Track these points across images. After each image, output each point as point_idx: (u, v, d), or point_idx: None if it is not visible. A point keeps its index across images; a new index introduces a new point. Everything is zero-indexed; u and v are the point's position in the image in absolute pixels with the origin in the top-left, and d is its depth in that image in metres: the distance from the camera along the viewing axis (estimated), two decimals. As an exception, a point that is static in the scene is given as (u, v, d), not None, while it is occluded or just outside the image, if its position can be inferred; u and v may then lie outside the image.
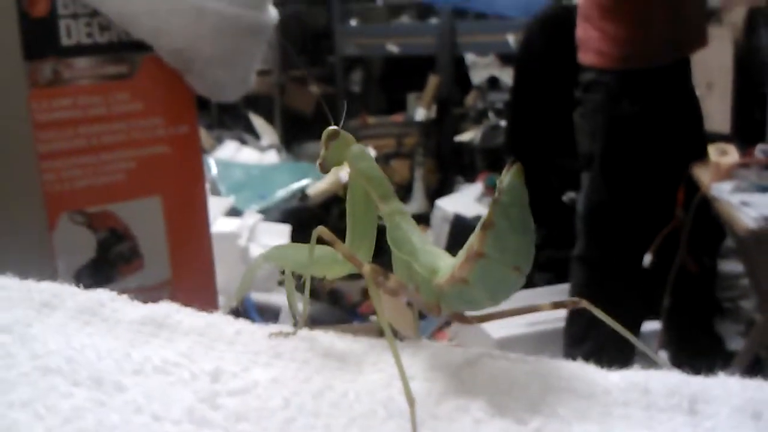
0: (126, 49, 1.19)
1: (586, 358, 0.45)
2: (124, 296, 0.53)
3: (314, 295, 3.17)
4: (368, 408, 0.41)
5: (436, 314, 0.47)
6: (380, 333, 0.44)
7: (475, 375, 0.43)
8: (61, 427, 0.41)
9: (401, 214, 0.50)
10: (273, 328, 0.50)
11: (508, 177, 0.41)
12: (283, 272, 0.53)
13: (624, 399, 0.40)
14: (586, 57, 2.32)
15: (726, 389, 0.40)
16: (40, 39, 1.13)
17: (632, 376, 0.42)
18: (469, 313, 0.48)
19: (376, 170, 0.51)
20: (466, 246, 0.43)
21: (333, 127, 0.52)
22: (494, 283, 0.43)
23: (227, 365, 0.45)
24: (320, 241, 0.49)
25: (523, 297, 2.08)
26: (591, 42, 2.28)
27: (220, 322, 0.50)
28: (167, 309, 0.51)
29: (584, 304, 0.48)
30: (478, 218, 0.43)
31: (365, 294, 2.97)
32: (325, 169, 0.53)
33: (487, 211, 0.42)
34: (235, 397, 0.43)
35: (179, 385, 0.44)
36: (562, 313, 2.46)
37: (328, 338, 0.48)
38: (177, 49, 1.20)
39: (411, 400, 0.39)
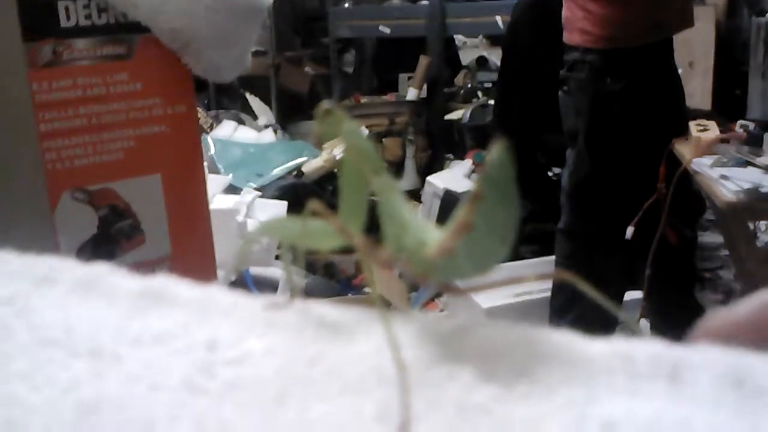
0: (124, 30, 1.20)
1: (570, 327, 0.46)
2: (123, 269, 0.53)
3: (310, 268, 3.18)
4: (360, 375, 0.42)
5: (426, 285, 0.48)
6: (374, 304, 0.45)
7: (464, 343, 0.44)
8: (59, 398, 0.41)
9: (392, 188, 0.51)
10: (268, 299, 0.50)
11: (496, 152, 0.42)
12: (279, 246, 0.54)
13: (607, 366, 0.41)
14: (571, 37, 2.35)
15: (708, 357, 0.40)
16: (39, 20, 1.13)
17: (615, 344, 0.42)
18: (458, 284, 0.49)
19: (368, 146, 0.52)
20: (453, 218, 0.44)
21: (327, 104, 0.53)
22: (481, 254, 0.44)
23: (223, 335, 0.46)
24: (314, 215, 0.49)
25: (510, 268, 2.10)
26: (576, 22, 2.31)
27: (217, 293, 0.50)
28: (165, 281, 0.52)
29: (567, 276, 0.49)
30: (467, 194, 0.44)
31: (360, 267, 2.99)
32: (319, 145, 0.54)
33: (475, 184, 0.43)
34: (230, 366, 0.43)
35: (176, 355, 0.45)
36: (548, 284, 2.49)
37: (322, 309, 0.49)
38: (174, 30, 1.20)
39: (401, 367, 0.40)
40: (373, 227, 0.52)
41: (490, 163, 0.42)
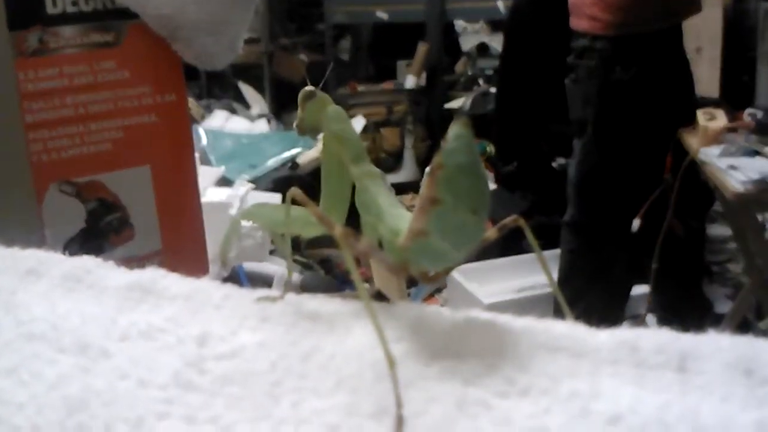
0: (112, 17, 1.18)
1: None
2: (110, 262, 0.53)
3: (305, 264, 3.18)
4: (356, 370, 0.41)
5: (404, 275, 0.47)
6: (372, 298, 0.44)
7: (464, 336, 0.43)
8: (46, 394, 0.41)
9: (371, 176, 0.50)
10: (260, 292, 0.49)
11: (454, 126, 0.41)
12: (272, 241, 0.54)
13: (613, 357, 0.40)
14: (578, 23, 2.32)
15: (716, 346, 0.40)
16: (25, 8, 1.11)
17: (621, 334, 0.42)
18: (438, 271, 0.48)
19: (351, 132, 0.51)
20: (419, 197, 0.43)
21: (309, 88, 0.52)
22: (454, 230, 0.42)
23: (214, 329, 0.45)
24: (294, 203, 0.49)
25: (513, 262, 2.09)
26: (584, 8, 2.28)
27: (208, 287, 0.50)
28: (154, 274, 0.51)
29: (521, 222, 0.48)
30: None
31: (357, 262, 2.98)
32: (302, 131, 0.53)
33: (435, 158, 0.42)
34: (222, 361, 0.43)
35: (165, 350, 0.44)
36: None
37: (317, 302, 0.48)
38: (163, 16, 1.19)
39: (391, 362, 0.39)
40: (356, 216, 0.51)
41: (449, 136, 0.41)
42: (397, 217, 0.47)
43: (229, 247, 0.56)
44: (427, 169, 0.43)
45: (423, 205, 0.42)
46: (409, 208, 0.47)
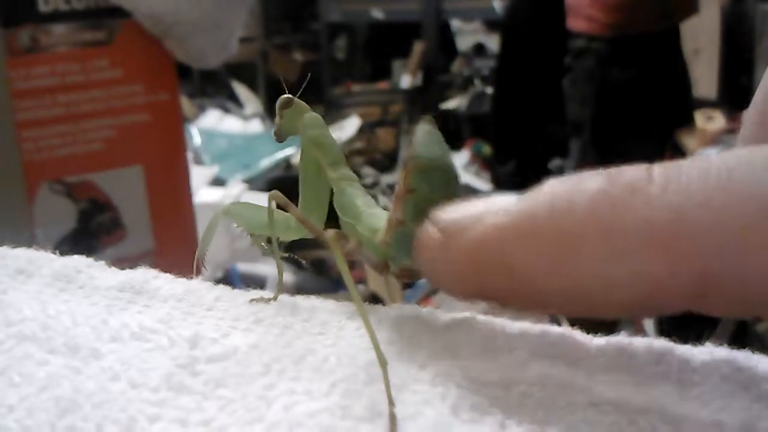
0: (104, 15, 1.18)
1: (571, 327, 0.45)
2: (101, 262, 0.52)
3: (298, 265, 3.17)
4: (350, 372, 0.40)
5: (385, 273, 0.47)
6: (367, 300, 0.44)
7: (459, 339, 0.43)
8: (36, 395, 0.40)
9: (348, 180, 0.51)
10: (253, 294, 0.49)
11: (421, 126, 0.43)
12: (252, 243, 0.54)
13: (610, 365, 0.40)
14: (576, 23, 2.33)
15: (713, 358, 0.39)
16: (17, 5, 1.11)
17: (618, 342, 0.41)
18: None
19: (328, 138, 0.52)
20: (395, 191, 0.44)
21: (287, 96, 0.53)
22: None
23: (206, 331, 0.45)
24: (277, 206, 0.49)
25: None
26: (581, 8, 2.29)
27: (200, 288, 0.49)
28: (145, 275, 0.51)
29: None
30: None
31: (351, 264, 2.97)
32: (280, 139, 0.54)
33: (407, 151, 0.43)
34: (214, 363, 0.42)
35: (157, 351, 0.43)
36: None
37: (310, 303, 0.48)
38: (156, 14, 1.18)
39: (382, 361, 0.39)
40: (335, 220, 0.52)
41: (417, 133, 0.43)
42: (374, 216, 0.48)
43: (207, 245, 0.56)
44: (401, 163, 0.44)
45: (398, 195, 0.43)
46: (386, 208, 0.48)
